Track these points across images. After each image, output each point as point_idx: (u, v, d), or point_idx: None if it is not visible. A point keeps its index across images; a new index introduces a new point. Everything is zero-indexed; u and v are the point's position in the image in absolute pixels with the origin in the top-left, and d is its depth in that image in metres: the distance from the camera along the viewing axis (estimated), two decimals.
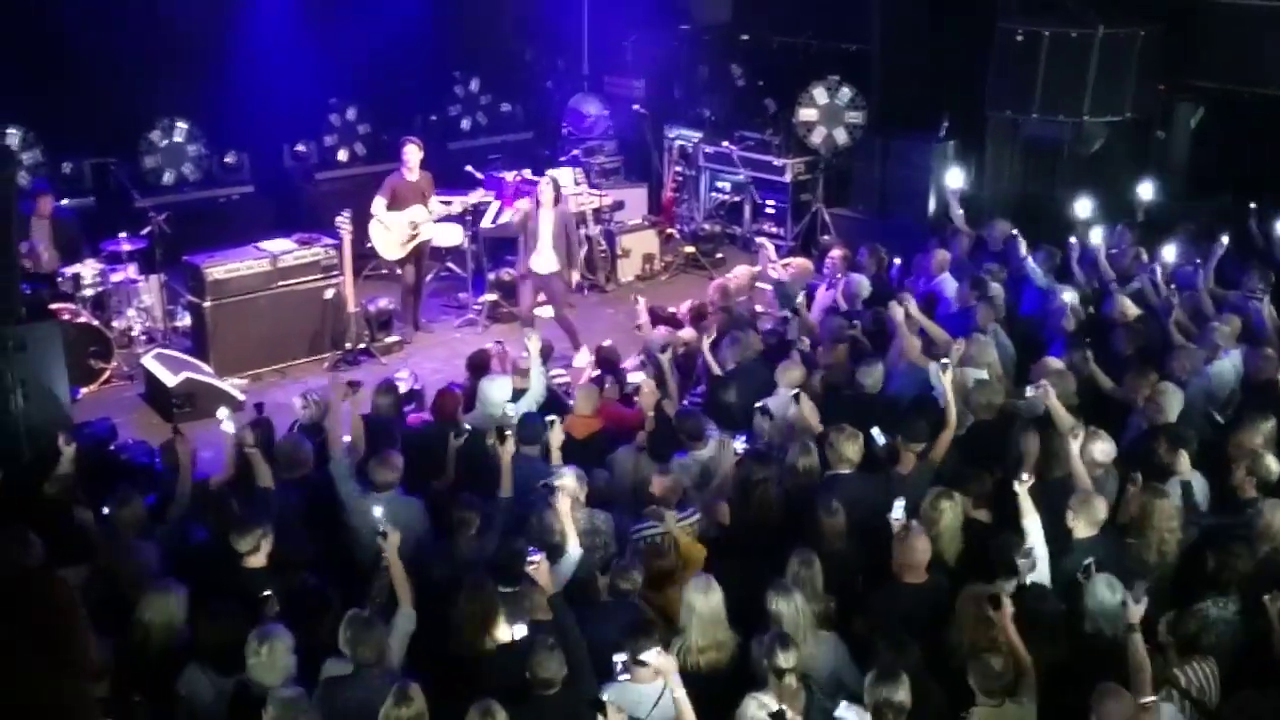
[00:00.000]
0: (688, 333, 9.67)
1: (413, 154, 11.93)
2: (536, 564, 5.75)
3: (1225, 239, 10.36)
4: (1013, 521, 6.39)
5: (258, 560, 6.14)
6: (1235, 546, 6.19)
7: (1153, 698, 4.90)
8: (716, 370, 8.54)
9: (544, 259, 11.27)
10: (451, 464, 7.63)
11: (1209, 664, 5.51)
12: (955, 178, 11.91)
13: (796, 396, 7.79)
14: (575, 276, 11.84)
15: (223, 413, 7.49)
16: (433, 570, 6.38)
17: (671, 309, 10.10)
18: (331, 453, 7.11)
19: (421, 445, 7.76)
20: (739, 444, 7.23)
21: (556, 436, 7.20)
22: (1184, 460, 6.98)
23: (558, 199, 11.42)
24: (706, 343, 8.70)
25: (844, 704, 5.02)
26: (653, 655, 5.15)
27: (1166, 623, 5.60)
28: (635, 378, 8.32)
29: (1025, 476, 6.38)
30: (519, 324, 11.48)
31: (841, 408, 7.94)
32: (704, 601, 5.62)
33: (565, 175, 13.98)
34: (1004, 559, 6.03)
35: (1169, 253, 10.14)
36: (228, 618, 5.57)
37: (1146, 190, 11.76)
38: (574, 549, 6.32)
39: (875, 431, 7.31)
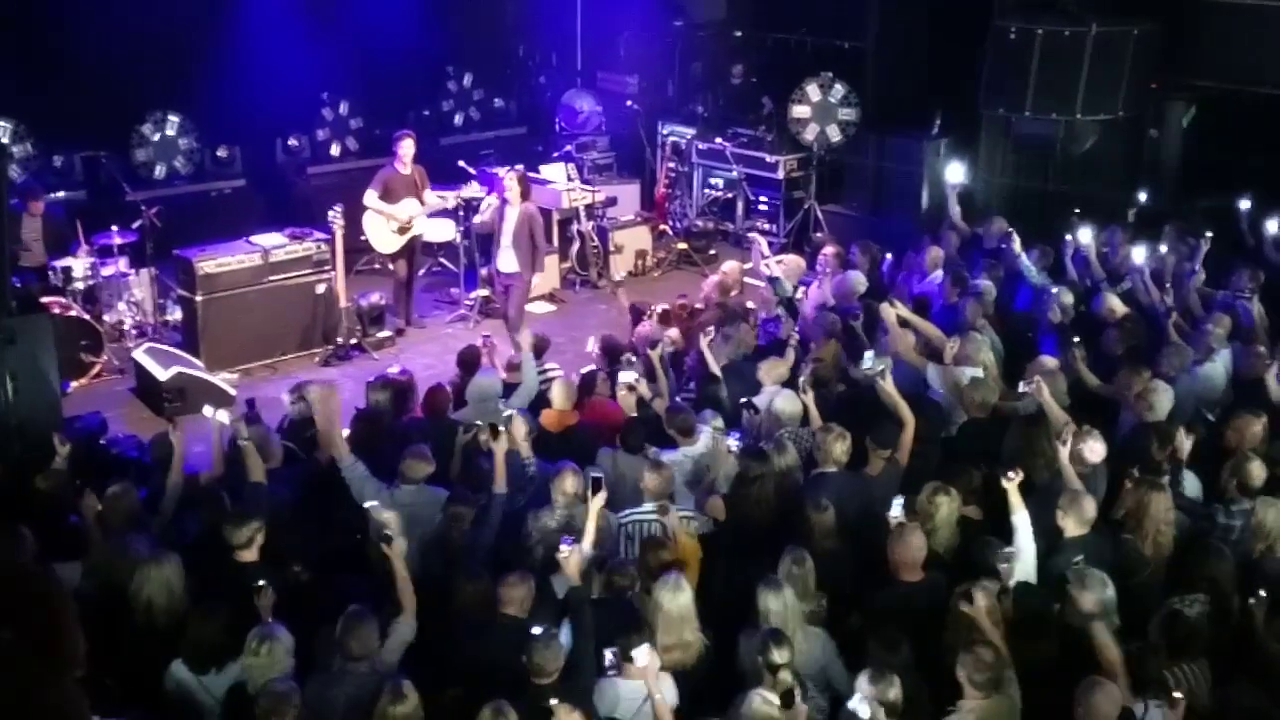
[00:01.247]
0: (675, 332, 9.65)
1: (407, 148, 11.92)
2: (568, 554, 5.77)
3: (1209, 235, 10.39)
4: (1002, 518, 6.41)
5: (250, 554, 6.14)
6: (1213, 545, 6.24)
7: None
8: (715, 368, 8.51)
9: (505, 258, 11.11)
10: (458, 460, 7.62)
11: (1199, 666, 5.52)
12: (955, 173, 11.88)
13: (804, 387, 7.78)
14: (534, 279, 11.48)
15: (209, 410, 7.48)
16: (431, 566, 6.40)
17: (663, 306, 10.08)
18: (340, 460, 7.00)
19: (414, 442, 7.73)
20: (732, 441, 7.23)
21: (518, 429, 7.12)
22: (1186, 445, 7.02)
23: (525, 195, 11.22)
24: (704, 340, 8.65)
25: (857, 696, 5.03)
26: (643, 654, 5.15)
27: (1156, 624, 5.61)
28: (626, 376, 8.30)
29: (1012, 474, 6.39)
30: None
31: (827, 404, 7.95)
32: (672, 600, 5.62)
33: (558, 171, 13.99)
34: (983, 560, 6.03)
35: (1168, 257, 10.12)
36: (212, 615, 5.58)
37: (1143, 196, 11.79)
38: (589, 546, 6.33)
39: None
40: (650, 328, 9.42)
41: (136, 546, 6.12)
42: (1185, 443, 7.08)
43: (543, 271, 11.92)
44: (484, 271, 12.44)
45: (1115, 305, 9.36)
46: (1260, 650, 5.70)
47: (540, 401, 8.32)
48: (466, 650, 5.69)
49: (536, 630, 5.38)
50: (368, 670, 5.38)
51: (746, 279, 11.43)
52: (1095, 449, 6.98)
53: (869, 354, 8.19)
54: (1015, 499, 6.31)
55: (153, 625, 5.70)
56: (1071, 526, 6.33)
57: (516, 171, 11.36)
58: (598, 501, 6.38)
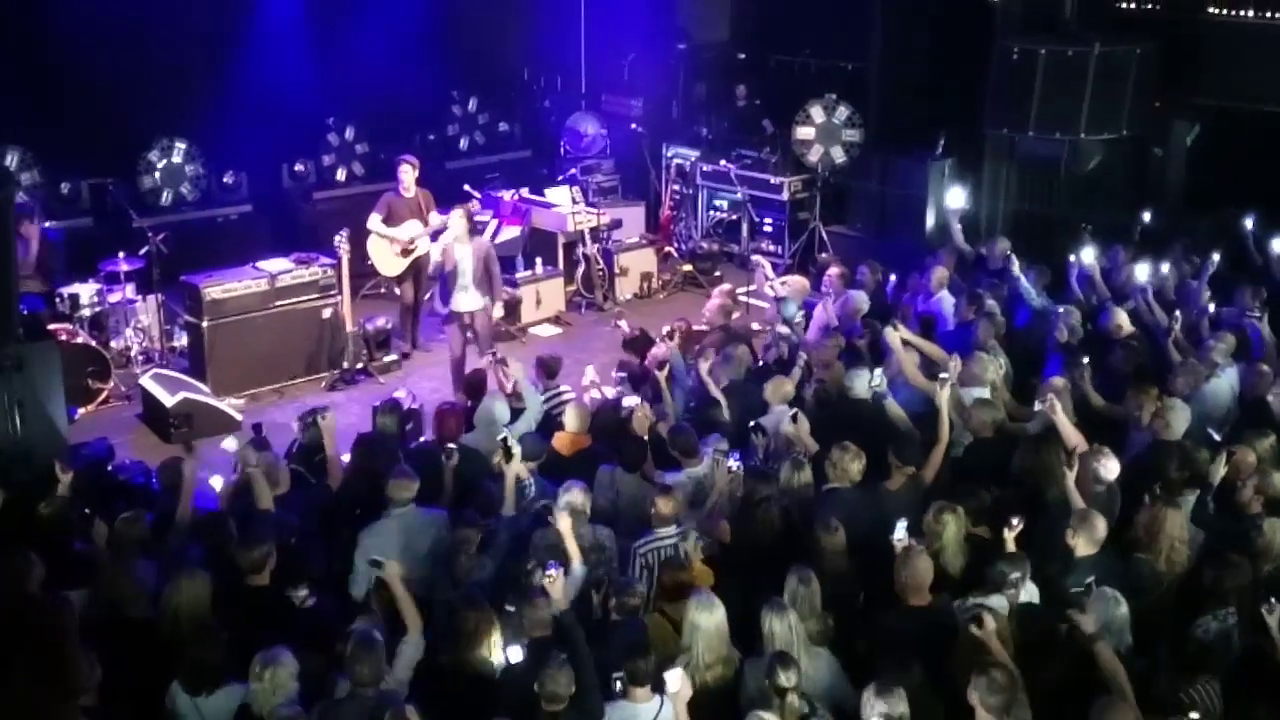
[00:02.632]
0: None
1: (407, 173, 11.95)
2: (554, 578, 5.75)
3: (1216, 256, 10.37)
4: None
5: (262, 579, 6.14)
6: (1231, 558, 6.19)
7: None
8: (715, 391, 8.51)
9: (468, 297, 10.86)
10: (449, 484, 7.61)
11: (1215, 683, 5.48)
12: (956, 198, 11.92)
13: (795, 416, 7.78)
14: (499, 311, 11.28)
15: (229, 442, 7.51)
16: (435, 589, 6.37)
17: (636, 331, 10.10)
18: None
19: (421, 465, 7.73)
20: (732, 462, 7.22)
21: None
22: (1222, 470, 6.98)
23: (473, 231, 11.05)
24: (705, 365, 8.68)
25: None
26: (675, 679, 5.14)
27: (1170, 645, 5.58)
28: (630, 400, 8.30)
29: (1015, 522, 6.37)
30: (516, 342, 11.32)
31: (834, 421, 7.94)
32: (709, 619, 5.64)
33: (563, 194, 14.01)
34: (992, 579, 6.01)
35: (1170, 275, 10.09)
36: (211, 637, 5.57)
37: (1148, 215, 11.80)
38: (578, 566, 6.32)
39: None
40: (659, 350, 9.42)
41: (142, 573, 6.12)
42: (1223, 467, 7.01)
43: (503, 300, 11.54)
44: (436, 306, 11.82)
45: (1122, 320, 9.32)
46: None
47: (554, 424, 8.31)
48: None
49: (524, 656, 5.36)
50: (374, 695, 5.34)
51: (751, 300, 11.43)
52: (1110, 467, 6.96)
53: (878, 372, 8.19)
54: (1011, 548, 6.29)
55: (179, 639, 5.68)
56: (1082, 546, 6.30)
57: (463, 209, 11.19)
58: (565, 521, 6.36)
